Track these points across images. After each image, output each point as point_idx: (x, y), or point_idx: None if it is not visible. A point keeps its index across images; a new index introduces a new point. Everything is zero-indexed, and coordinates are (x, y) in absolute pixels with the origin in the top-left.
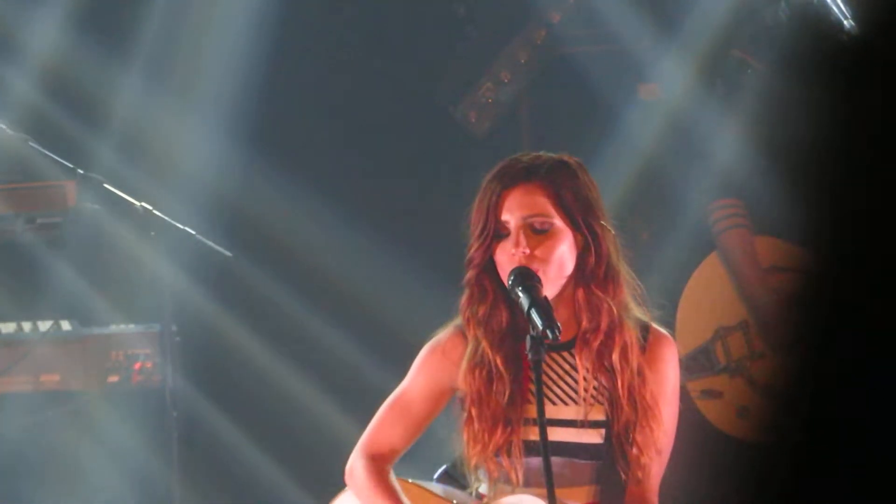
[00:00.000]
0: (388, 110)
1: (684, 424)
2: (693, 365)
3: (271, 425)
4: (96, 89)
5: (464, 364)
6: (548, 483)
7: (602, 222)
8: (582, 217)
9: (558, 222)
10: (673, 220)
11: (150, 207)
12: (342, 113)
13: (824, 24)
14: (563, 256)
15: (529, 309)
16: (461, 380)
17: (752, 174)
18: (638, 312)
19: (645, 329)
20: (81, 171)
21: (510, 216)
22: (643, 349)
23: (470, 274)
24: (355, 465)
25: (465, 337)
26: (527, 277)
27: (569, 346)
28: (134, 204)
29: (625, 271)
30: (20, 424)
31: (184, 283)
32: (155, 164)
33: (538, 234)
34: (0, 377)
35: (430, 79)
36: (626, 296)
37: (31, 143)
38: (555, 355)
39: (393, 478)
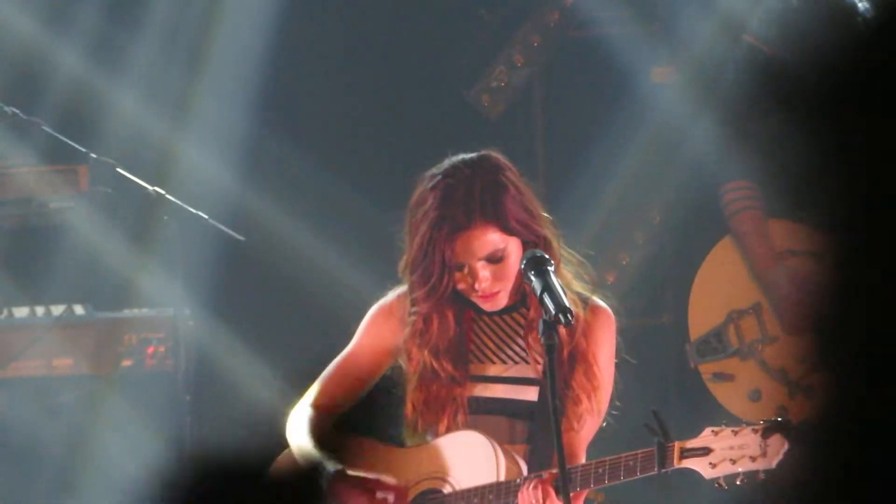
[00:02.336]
0: (402, 94)
1: (696, 406)
2: (705, 348)
3: (285, 406)
4: (106, 66)
5: (405, 331)
6: (558, 448)
7: (541, 216)
8: (527, 228)
9: (508, 244)
10: (685, 203)
11: (163, 191)
12: (355, 97)
13: (838, 7)
14: (517, 265)
15: (542, 294)
16: (403, 345)
17: (764, 156)
18: (579, 287)
19: (585, 302)
20: (94, 156)
21: (465, 258)
22: (583, 315)
23: (417, 311)
24: (296, 417)
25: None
26: (540, 262)
27: (510, 310)
28: (146, 188)
29: (558, 246)
30: (33, 409)
31: (196, 267)
32: (167, 148)
33: (494, 263)
34: (13, 361)
35: (444, 62)
36: (567, 275)
37: (44, 127)
38: (496, 318)
39: (328, 430)
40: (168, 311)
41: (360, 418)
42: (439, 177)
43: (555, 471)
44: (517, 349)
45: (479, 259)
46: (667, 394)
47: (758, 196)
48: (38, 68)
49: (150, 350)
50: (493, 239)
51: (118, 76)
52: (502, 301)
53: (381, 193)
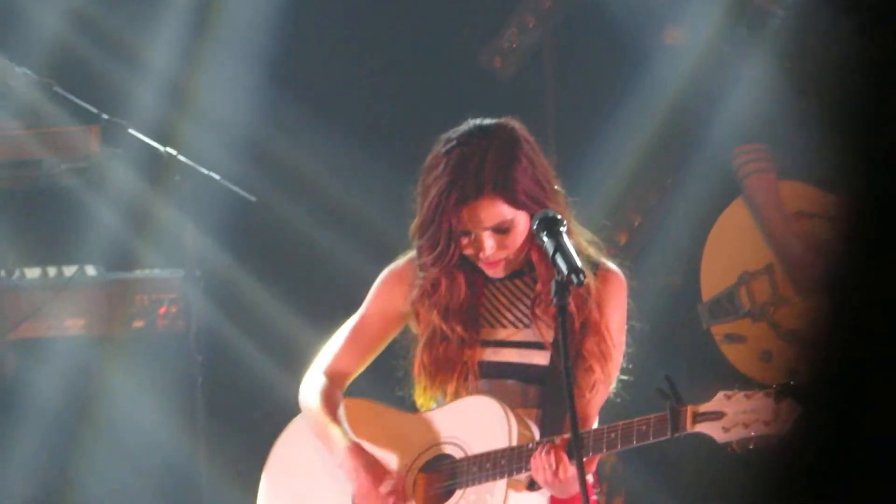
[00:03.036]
0: (414, 56)
1: (708, 368)
2: (717, 309)
3: (296, 367)
4: (118, 33)
5: (414, 294)
6: (571, 410)
7: (553, 190)
8: (537, 202)
9: (516, 215)
10: (698, 164)
11: (175, 152)
12: (368, 59)
13: None
14: (523, 235)
15: (554, 254)
16: (412, 309)
17: (778, 118)
18: (591, 252)
19: (595, 265)
20: (106, 117)
21: (472, 226)
22: (594, 282)
23: (426, 277)
24: (307, 383)
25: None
26: (552, 223)
27: (520, 274)
28: (158, 149)
29: (571, 220)
30: (45, 370)
31: (208, 228)
32: (179, 109)
33: (500, 233)
34: (26, 322)
35: (456, 24)
36: (578, 241)
37: (55, 88)
38: (507, 282)
39: (340, 397)
40: (179, 272)
41: (370, 383)
42: (454, 142)
43: (567, 436)
44: (528, 313)
45: (486, 229)
46: (678, 355)
47: (770, 158)
48: (49, 29)
49: (162, 311)
50: (500, 211)
51: (130, 37)
52: (507, 268)
53: (394, 155)
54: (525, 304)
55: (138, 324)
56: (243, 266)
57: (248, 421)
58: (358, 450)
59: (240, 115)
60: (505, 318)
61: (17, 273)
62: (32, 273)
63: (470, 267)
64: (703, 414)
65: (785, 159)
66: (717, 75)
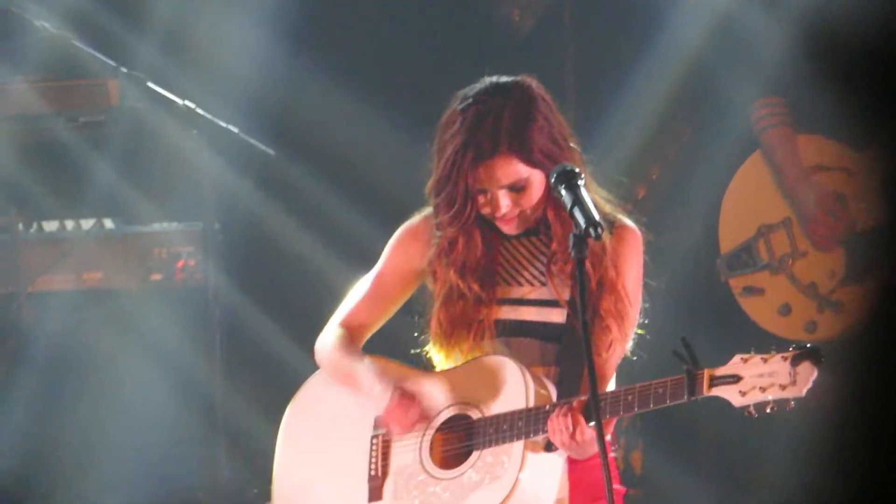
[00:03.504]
0: (432, 9)
1: (726, 320)
2: (735, 262)
3: (314, 321)
4: None
5: (431, 252)
6: (589, 366)
7: (569, 148)
8: (553, 160)
9: (532, 174)
10: (716, 119)
11: (193, 106)
12: (386, 14)
13: None
14: (539, 193)
15: (572, 208)
16: (428, 267)
17: (797, 72)
18: (607, 209)
19: (611, 223)
20: (125, 70)
21: (487, 184)
22: (610, 239)
23: (442, 235)
24: (325, 336)
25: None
26: (570, 176)
27: (536, 231)
28: (177, 102)
29: (590, 181)
30: (63, 322)
31: (226, 182)
32: (198, 63)
33: (515, 192)
34: (43, 275)
35: None
36: (596, 199)
37: (74, 42)
38: (524, 240)
39: (358, 346)
40: (198, 225)
41: (385, 342)
42: (470, 100)
43: (584, 398)
44: (544, 271)
45: (502, 187)
46: (696, 308)
47: (788, 112)
48: None
49: (180, 264)
50: (516, 169)
51: None
52: (522, 225)
53: (411, 109)
54: (541, 262)
55: (156, 277)
56: (261, 219)
57: (266, 374)
58: (385, 377)
59: (257, 69)
60: (521, 276)
61: (34, 226)
62: (50, 226)
63: (486, 225)
64: (720, 377)
65: (803, 113)
66: (736, 29)
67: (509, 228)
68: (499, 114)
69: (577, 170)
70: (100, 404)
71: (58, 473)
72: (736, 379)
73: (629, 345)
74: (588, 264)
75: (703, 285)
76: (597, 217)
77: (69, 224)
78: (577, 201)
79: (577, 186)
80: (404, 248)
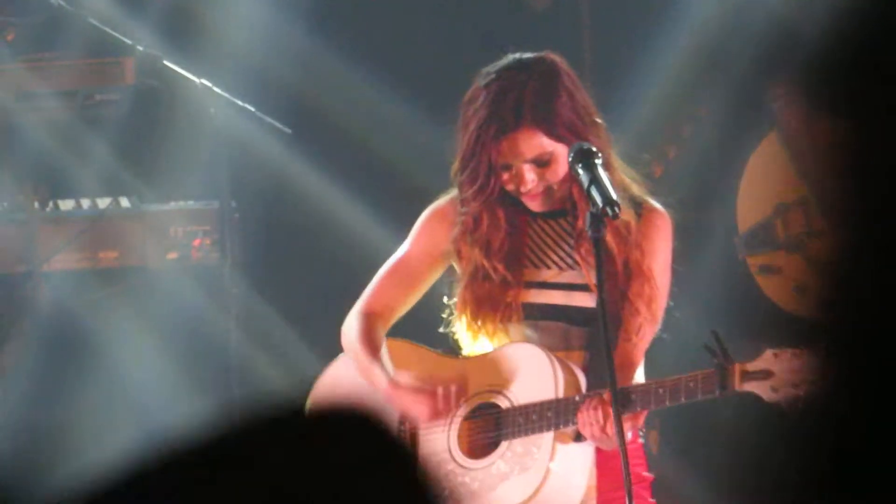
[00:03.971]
0: None
1: (743, 299)
2: (753, 241)
3: (330, 301)
4: None
5: (455, 233)
6: (606, 351)
7: (594, 123)
8: (577, 135)
9: (556, 147)
10: (733, 98)
11: (210, 84)
12: None
13: None
14: (564, 168)
15: (589, 186)
16: (454, 248)
17: (810, 52)
18: (635, 190)
19: (639, 205)
20: (141, 48)
21: (511, 159)
22: (638, 220)
23: (468, 211)
24: (349, 324)
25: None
26: (588, 154)
27: (563, 213)
28: (194, 81)
29: (616, 160)
30: (79, 301)
31: (242, 160)
32: (214, 41)
33: (540, 166)
34: (59, 254)
35: None
36: (621, 178)
37: (89, 20)
38: (551, 222)
39: (382, 336)
40: (214, 204)
41: (413, 321)
42: (493, 76)
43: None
44: (572, 254)
45: (526, 161)
46: (714, 286)
47: (803, 91)
48: None
49: (196, 243)
50: (540, 143)
51: None
52: (548, 201)
53: (428, 90)
54: (569, 245)
55: (172, 256)
56: (278, 198)
57: (283, 353)
58: (398, 383)
59: (274, 48)
60: (549, 258)
61: (50, 205)
62: (66, 205)
63: (512, 205)
64: (751, 373)
65: (818, 93)
66: (754, 7)
67: (535, 205)
68: (522, 88)
69: (594, 148)
70: (115, 383)
71: (71, 450)
72: (767, 374)
73: (658, 328)
74: (613, 244)
75: (721, 264)
76: (614, 196)
77: (85, 203)
78: (594, 180)
79: (595, 165)
80: (431, 229)
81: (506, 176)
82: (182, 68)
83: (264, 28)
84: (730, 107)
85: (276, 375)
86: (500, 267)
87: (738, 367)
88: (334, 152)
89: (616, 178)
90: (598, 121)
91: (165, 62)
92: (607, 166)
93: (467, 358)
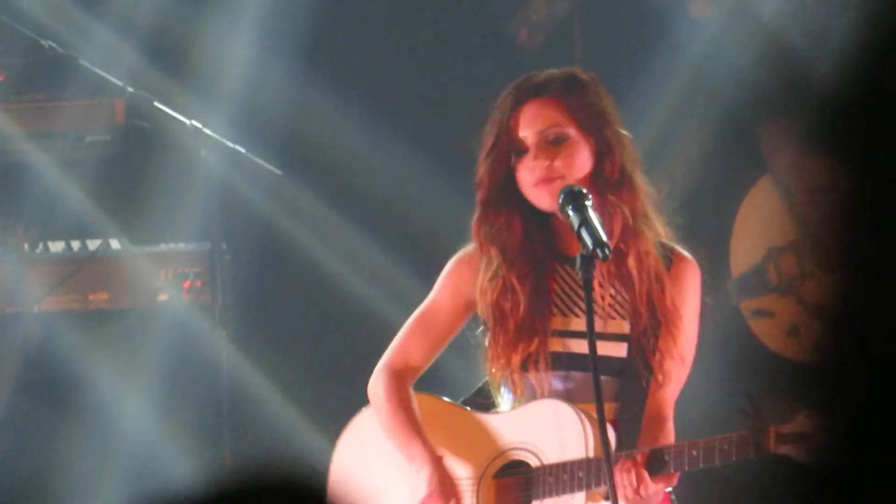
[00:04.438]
0: (438, 27)
1: (736, 344)
2: (746, 286)
3: (321, 343)
4: (144, 6)
5: (479, 281)
6: (596, 397)
7: (616, 129)
8: (594, 125)
9: (573, 132)
10: (725, 139)
11: (200, 126)
12: (393, 29)
13: None
14: (581, 165)
15: (580, 228)
16: (478, 296)
17: (799, 94)
18: (658, 224)
19: (669, 250)
20: (131, 90)
21: (527, 132)
22: (667, 269)
23: (481, 194)
24: (377, 380)
25: None
26: (578, 196)
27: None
28: (184, 122)
29: (641, 180)
30: (68, 343)
31: (233, 202)
32: (204, 82)
33: (555, 145)
34: (49, 296)
35: None
36: (644, 205)
37: (81, 62)
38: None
39: (412, 394)
40: (205, 246)
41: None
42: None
43: (648, 450)
44: (602, 303)
45: (539, 131)
46: (707, 333)
47: (793, 134)
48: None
49: (187, 284)
50: (553, 113)
51: (157, 13)
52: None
53: (419, 129)
54: (598, 293)
55: (163, 297)
56: (269, 240)
57: (273, 395)
58: (438, 464)
59: (265, 89)
60: (577, 306)
61: (40, 246)
62: (56, 246)
63: (540, 249)
64: (787, 436)
65: (808, 134)
66: (743, 50)
67: (544, 200)
68: (549, 76)
69: (584, 190)
70: (103, 425)
71: (61, 492)
72: (803, 437)
73: (686, 376)
74: (643, 286)
75: (715, 310)
76: (604, 238)
77: (75, 244)
78: (585, 222)
79: (585, 207)
80: (458, 278)
81: (520, 163)
82: (172, 109)
83: (255, 69)
84: (723, 149)
85: (268, 419)
86: (526, 315)
87: (772, 430)
88: (325, 194)
89: (639, 201)
90: (625, 133)
91: (156, 103)
92: (631, 186)
93: (496, 414)
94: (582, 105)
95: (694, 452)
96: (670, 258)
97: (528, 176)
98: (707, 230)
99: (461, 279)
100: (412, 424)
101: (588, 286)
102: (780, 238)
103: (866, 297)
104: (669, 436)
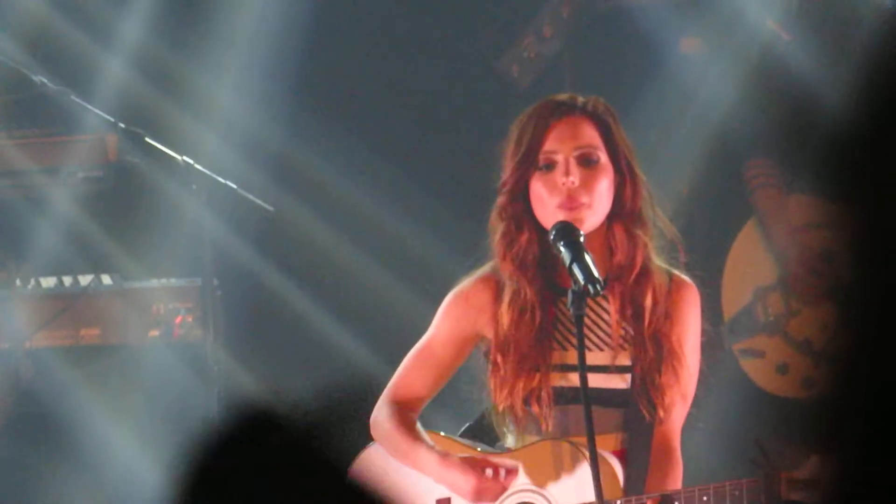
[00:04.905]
0: (430, 64)
1: (729, 385)
2: (737, 327)
3: (314, 378)
4: (137, 40)
5: (502, 304)
6: (588, 431)
7: (636, 162)
8: (623, 154)
9: (603, 157)
10: (715, 181)
11: (192, 161)
12: (385, 66)
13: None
14: (606, 191)
15: (571, 264)
16: (487, 324)
17: (784, 133)
18: (660, 260)
19: (668, 275)
20: (123, 125)
21: (559, 146)
22: (668, 294)
23: (503, 199)
24: (380, 414)
25: (489, 283)
26: (569, 231)
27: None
28: (175, 158)
29: (652, 216)
30: (60, 379)
31: (225, 237)
32: (196, 118)
33: (584, 167)
34: (40, 331)
35: (473, 32)
36: (653, 240)
37: (72, 97)
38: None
39: (416, 421)
40: (196, 282)
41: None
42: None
43: (658, 495)
44: (602, 335)
45: (574, 147)
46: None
47: (777, 173)
48: (67, 39)
49: (178, 320)
50: (591, 133)
51: (148, 46)
52: (585, 222)
53: (412, 162)
54: (599, 327)
55: (154, 333)
56: (260, 275)
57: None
58: (449, 457)
59: (257, 125)
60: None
61: (32, 282)
62: (48, 282)
63: (544, 287)
64: (799, 481)
65: (793, 173)
66: (734, 87)
67: (575, 215)
68: (574, 97)
69: (574, 226)
70: (96, 461)
71: None
72: (815, 484)
73: (688, 408)
74: (654, 329)
75: (708, 353)
76: (596, 273)
77: (67, 280)
78: (576, 258)
79: (576, 242)
80: (456, 314)
81: (543, 179)
82: (164, 145)
83: (247, 106)
84: (713, 191)
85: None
86: (526, 349)
87: (785, 477)
88: (317, 230)
89: (650, 235)
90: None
91: (147, 139)
92: (649, 221)
93: (505, 454)
94: (613, 132)
95: (705, 498)
96: (670, 283)
97: (550, 193)
98: (699, 271)
99: (461, 314)
100: (419, 440)
101: (579, 322)
102: (766, 277)
103: (853, 330)
104: (678, 467)
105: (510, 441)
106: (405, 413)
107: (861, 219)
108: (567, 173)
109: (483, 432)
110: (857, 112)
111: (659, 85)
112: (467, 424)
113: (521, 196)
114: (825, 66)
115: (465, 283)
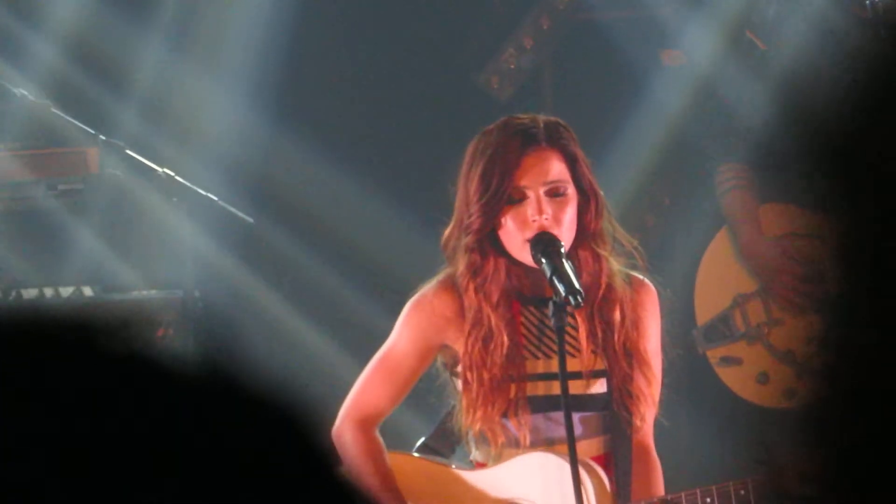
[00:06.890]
0: (410, 76)
1: (705, 393)
2: (712, 333)
3: (294, 391)
4: (119, 55)
5: (465, 329)
6: (569, 440)
7: (594, 179)
8: (584, 178)
9: (571, 189)
10: (694, 187)
11: (173, 174)
12: (364, 79)
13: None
14: (572, 219)
15: (552, 276)
16: (454, 334)
17: (766, 141)
18: (616, 264)
19: (627, 277)
20: (104, 138)
21: (530, 182)
22: (631, 300)
23: (471, 239)
24: (343, 430)
25: (452, 291)
26: (549, 244)
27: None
28: (156, 170)
29: (610, 230)
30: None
31: (206, 250)
32: (177, 130)
33: (553, 197)
34: None
35: (452, 44)
36: (611, 253)
37: (53, 110)
38: (543, 308)
39: (380, 443)
40: (177, 294)
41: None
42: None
43: (657, 499)
44: (572, 342)
45: (545, 183)
46: (673, 379)
47: (749, 178)
48: (45, 53)
49: (160, 332)
50: (560, 168)
51: (127, 63)
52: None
53: (392, 176)
54: (569, 333)
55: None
56: (242, 288)
57: None
58: None
59: (238, 137)
60: (547, 346)
61: (13, 294)
62: (29, 294)
63: (507, 299)
64: (809, 474)
65: (774, 182)
66: (716, 98)
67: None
68: (533, 119)
69: (555, 237)
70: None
71: None
72: (825, 477)
73: (657, 412)
74: (624, 340)
75: (680, 357)
76: (577, 285)
77: (48, 291)
78: (556, 270)
79: (556, 254)
80: (417, 322)
81: (512, 212)
82: (145, 157)
83: (228, 118)
84: (692, 197)
85: None
86: (497, 369)
87: (795, 470)
88: (298, 242)
89: (605, 251)
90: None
91: (128, 151)
92: (598, 239)
93: (482, 471)
94: (575, 159)
95: (708, 499)
96: (630, 287)
97: (521, 228)
98: (674, 276)
99: (424, 323)
100: (387, 478)
101: (561, 333)
102: (747, 285)
103: (836, 339)
104: (658, 467)
105: (477, 455)
106: (367, 430)
107: (848, 229)
108: (540, 211)
109: (440, 443)
110: (839, 121)
111: (640, 97)
112: (422, 440)
113: (490, 231)
114: (807, 73)
115: (426, 290)
